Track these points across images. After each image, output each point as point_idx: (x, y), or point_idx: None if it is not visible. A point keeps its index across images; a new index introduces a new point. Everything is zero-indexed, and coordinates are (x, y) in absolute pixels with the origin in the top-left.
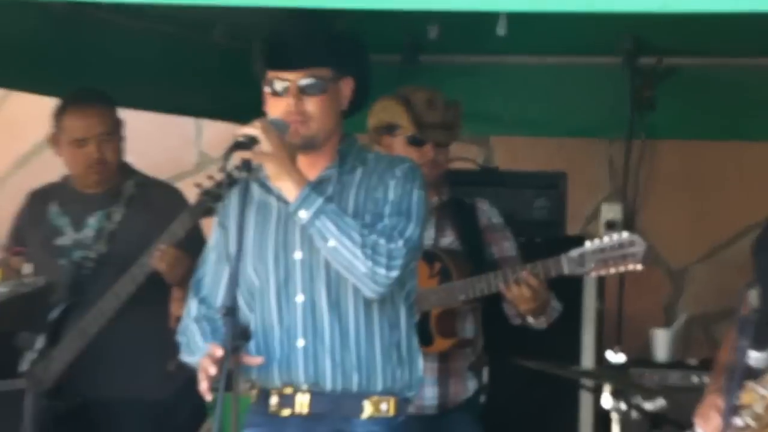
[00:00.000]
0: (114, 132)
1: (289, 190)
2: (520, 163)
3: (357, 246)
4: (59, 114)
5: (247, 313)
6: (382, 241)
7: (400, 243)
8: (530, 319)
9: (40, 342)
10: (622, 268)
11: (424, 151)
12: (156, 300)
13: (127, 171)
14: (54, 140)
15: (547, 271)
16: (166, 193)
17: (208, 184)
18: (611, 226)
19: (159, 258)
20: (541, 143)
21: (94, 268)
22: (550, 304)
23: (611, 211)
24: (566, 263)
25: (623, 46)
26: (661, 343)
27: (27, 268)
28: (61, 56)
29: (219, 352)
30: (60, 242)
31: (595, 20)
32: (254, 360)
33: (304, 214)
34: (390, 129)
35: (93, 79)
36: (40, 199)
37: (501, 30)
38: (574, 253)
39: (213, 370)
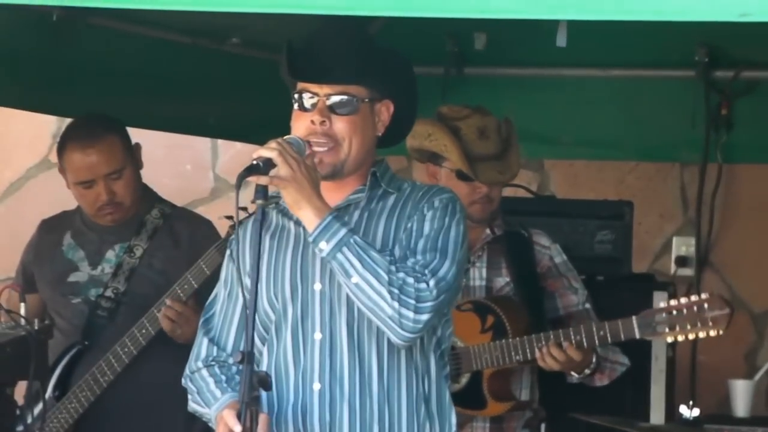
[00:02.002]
0: (125, 167)
1: (309, 219)
2: (579, 191)
3: (383, 285)
4: (60, 149)
5: (259, 348)
6: (410, 280)
7: (432, 283)
8: (576, 377)
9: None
10: (702, 334)
11: (475, 186)
12: (178, 346)
13: (150, 198)
14: (61, 173)
15: (615, 334)
16: (196, 225)
17: (241, 215)
18: (683, 263)
19: (162, 316)
20: (603, 168)
21: (111, 309)
22: (609, 359)
23: (683, 246)
24: (638, 327)
25: (696, 58)
26: (741, 397)
27: (21, 309)
28: (57, 69)
29: (235, 426)
30: (74, 278)
31: (664, 29)
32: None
33: (324, 246)
34: (435, 158)
35: (94, 94)
36: (52, 229)
37: (561, 41)
38: (646, 315)
39: None
